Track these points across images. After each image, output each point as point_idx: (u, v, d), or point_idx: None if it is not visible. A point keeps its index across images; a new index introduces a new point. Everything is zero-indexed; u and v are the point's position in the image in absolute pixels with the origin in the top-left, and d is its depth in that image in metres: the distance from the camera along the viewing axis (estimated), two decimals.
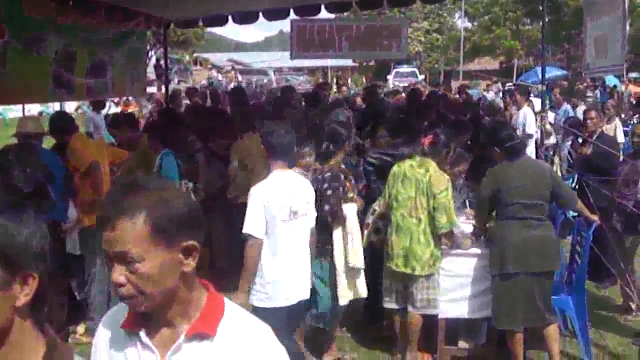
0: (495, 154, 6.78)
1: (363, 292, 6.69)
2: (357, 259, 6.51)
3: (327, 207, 6.34)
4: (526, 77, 42.24)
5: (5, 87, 8.51)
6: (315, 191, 6.15)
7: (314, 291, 6.29)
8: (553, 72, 37.15)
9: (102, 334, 2.26)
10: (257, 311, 5.29)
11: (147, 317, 2.13)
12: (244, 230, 5.44)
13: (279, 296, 5.55)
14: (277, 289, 5.55)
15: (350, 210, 6.52)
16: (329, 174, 6.48)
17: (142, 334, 2.13)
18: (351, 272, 6.55)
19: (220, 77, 53.76)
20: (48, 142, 8.33)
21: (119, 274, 2.00)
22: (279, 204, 5.54)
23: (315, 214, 5.97)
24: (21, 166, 6.47)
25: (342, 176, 6.57)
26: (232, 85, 39.51)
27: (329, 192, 6.39)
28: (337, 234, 6.50)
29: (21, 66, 8.65)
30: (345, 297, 6.54)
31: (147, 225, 1.99)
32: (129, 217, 1.98)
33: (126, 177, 2.08)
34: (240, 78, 52.79)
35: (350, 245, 6.49)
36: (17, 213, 1.65)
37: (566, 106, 16.37)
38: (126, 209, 1.99)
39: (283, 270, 5.59)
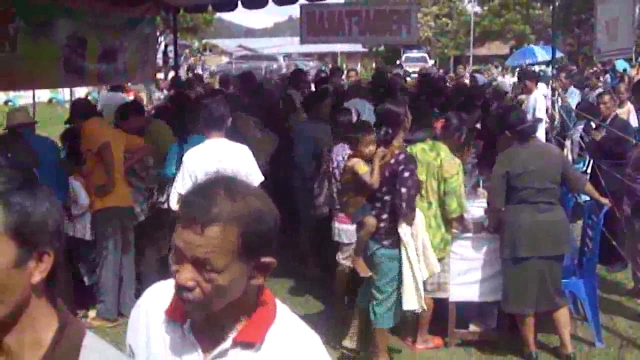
0: (506, 138, 6.76)
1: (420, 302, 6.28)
2: (433, 267, 6.26)
3: (403, 190, 5.96)
4: (515, 59, 42.15)
5: (15, 72, 8.54)
6: (390, 175, 6.06)
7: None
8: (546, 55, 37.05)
9: (142, 313, 2.18)
10: None
11: None
12: (175, 190, 6.41)
13: None
14: None
15: (418, 216, 6.24)
16: (402, 155, 6.10)
17: (187, 327, 2.05)
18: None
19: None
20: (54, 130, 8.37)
21: (190, 277, 1.89)
22: (204, 168, 5.96)
23: (256, 179, 6.40)
24: (6, 154, 6.68)
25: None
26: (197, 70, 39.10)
27: (406, 174, 6.00)
28: (406, 235, 6.12)
29: (31, 51, 8.66)
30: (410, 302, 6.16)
31: (239, 239, 1.88)
32: (222, 226, 1.86)
33: (218, 174, 1.80)
34: (201, 60, 52.21)
35: (421, 257, 6.17)
36: (33, 190, 1.66)
37: (573, 89, 16.25)
38: (221, 216, 1.86)
39: None
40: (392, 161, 6.08)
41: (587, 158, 9.97)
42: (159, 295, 2.14)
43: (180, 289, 1.92)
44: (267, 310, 2.07)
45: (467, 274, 6.84)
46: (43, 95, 29.01)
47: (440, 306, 6.89)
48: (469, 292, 6.86)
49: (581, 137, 13.09)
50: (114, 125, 8.24)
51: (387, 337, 6.49)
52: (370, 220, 6.15)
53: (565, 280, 6.83)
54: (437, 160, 6.54)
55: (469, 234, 6.85)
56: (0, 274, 1.58)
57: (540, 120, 12.20)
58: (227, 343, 2.01)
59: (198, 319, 2.03)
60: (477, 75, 18.63)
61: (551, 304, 6.49)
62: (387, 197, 6.13)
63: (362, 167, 6.20)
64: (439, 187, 6.52)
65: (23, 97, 29.58)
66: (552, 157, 6.64)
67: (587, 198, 7.42)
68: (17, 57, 8.43)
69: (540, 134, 11.79)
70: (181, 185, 6.36)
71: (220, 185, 1.93)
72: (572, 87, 16.30)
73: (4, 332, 1.64)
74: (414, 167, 6.10)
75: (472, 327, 7.09)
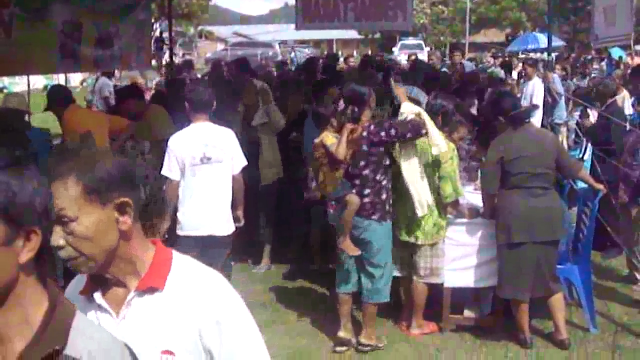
0: (500, 124, 6.76)
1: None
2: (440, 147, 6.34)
3: (392, 132, 6.14)
4: (515, 45, 42.26)
5: (11, 57, 8.51)
6: (370, 146, 6.17)
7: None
8: (539, 43, 37.16)
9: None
10: (177, 238, 6.37)
11: (100, 280, 2.20)
12: (162, 173, 6.37)
13: (189, 226, 6.45)
14: (187, 220, 6.48)
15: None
16: (372, 125, 6.23)
17: (97, 295, 2.20)
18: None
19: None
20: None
21: (58, 236, 2.04)
22: (189, 151, 6.39)
23: (240, 163, 6.70)
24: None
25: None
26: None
27: (392, 131, 6.14)
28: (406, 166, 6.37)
29: (27, 37, 8.63)
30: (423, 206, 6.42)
31: (78, 185, 2.05)
32: (60, 180, 2.04)
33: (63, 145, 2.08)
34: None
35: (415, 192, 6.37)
36: (19, 170, 1.65)
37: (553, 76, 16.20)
38: (58, 173, 2.06)
39: (194, 205, 6.48)
40: (365, 134, 6.17)
41: (584, 144, 9.97)
42: (76, 286, 2.30)
43: (58, 251, 2.07)
44: (163, 257, 2.25)
45: (462, 260, 6.83)
46: (38, 82, 28.92)
47: (435, 292, 6.90)
48: (464, 278, 6.86)
49: (577, 123, 13.11)
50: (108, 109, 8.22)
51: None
52: (353, 199, 6.18)
53: (560, 266, 6.84)
54: (430, 145, 6.53)
55: (464, 220, 6.85)
56: None
57: (536, 106, 12.25)
58: (131, 294, 2.18)
59: (96, 278, 2.20)
60: (466, 63, 18.49)
61: (546, 289, 6.51)
62: (366, 172, 6.22)
63: (330, 139, 6.25)
64: (433, 172, 6.52)
65: (18, 84, 29.50)
66: (547, 143, 6.64)
67: (585, 185, 7.42)
68: (12, 42, 8.41)
69: (537, 120, 11.82)
70: (167, 168, 6.41)
71: (55, 155, 2.18)
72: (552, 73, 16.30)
73: None
74: (387, 122, 6.33)
75: (467, 313, 7.11)
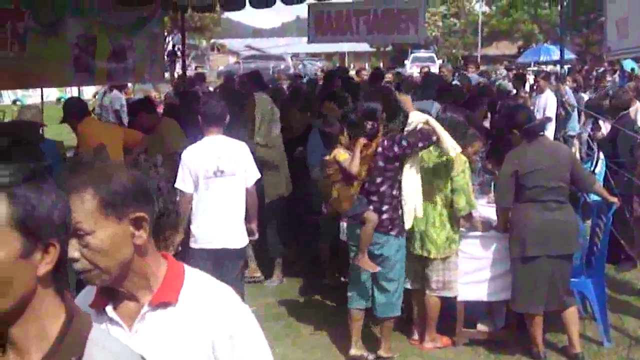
0: (514, 137, 6.74)
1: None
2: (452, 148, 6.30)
3: (404, 143, 6.13)
4: (527, 56, 42.30)
5: (25, 71, 8.57)
6: (386, 162, 6.18)
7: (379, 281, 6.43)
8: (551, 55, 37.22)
9: None
10: (190, 250, 6.44)
11: (112, 293, 2.20)
12: (176, 186, 6.28)
13: (203, 239, 6.49)
14: (201, 233, 6.50)
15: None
16: (385, 140, 6.23)
17: (109, 309, 2.20)
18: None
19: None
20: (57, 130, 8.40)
21: (74, 249, 2.04)
22: (203, 164, 6.41)
23: (254, 176, 6.72)
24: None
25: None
26: None
27: (403, 142, 6.15)
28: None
29: (41, 50, 8.70)
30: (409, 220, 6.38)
31: (95, 199, 2.06)
32: (76, 193, 2.04)
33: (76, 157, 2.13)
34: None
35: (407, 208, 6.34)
36: (38, 183, 1.66)
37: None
38: (73, 186, 2.06)
39: (207, 218, 6.49)
40: (379, 149, 6.18)
41: (596, 157, 9.95)
42: (85, 298, 2.28)
43: (72, 264, 2.06)
44: (176, 273, 2.26)
45: (475, 273, 6.81)
46: (52, 94, 29.09)
47: (448, 305, 6.87)
48: (477, 292, 6.84)
49: (589, 136, 13.09)
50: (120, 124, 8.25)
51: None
52: (372, 216, 6.17)
53: (574, 279, 6.81)
54: (442, 158, 6.52)
55: (477, 233, 6.83)
56: (6, 266, 1.58)
57: (549, 119, 12.22)
58: (145, 308, 2.18)
59: (107, 291, 2.19)
60: (471, 76, 18.42)
61: (560, 303, 6.47)
62: (383, 188, 6.22)
63: (342, 155, 6.25)
64: (445, 186, 6.51)
65: (32, 97, 29.64)
66: (561, 156, 6.62)
67: (597, 197, 7.39)
68: (27, 56, 8.46)
69: (549, 133, 11.80)
70: (181, 182, 6.41)
71: (69, 167, 2.17)
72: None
73: (10, 324, 1.64)
74: (398, 135, 6.34)
75: (480, 327, 7.07)
